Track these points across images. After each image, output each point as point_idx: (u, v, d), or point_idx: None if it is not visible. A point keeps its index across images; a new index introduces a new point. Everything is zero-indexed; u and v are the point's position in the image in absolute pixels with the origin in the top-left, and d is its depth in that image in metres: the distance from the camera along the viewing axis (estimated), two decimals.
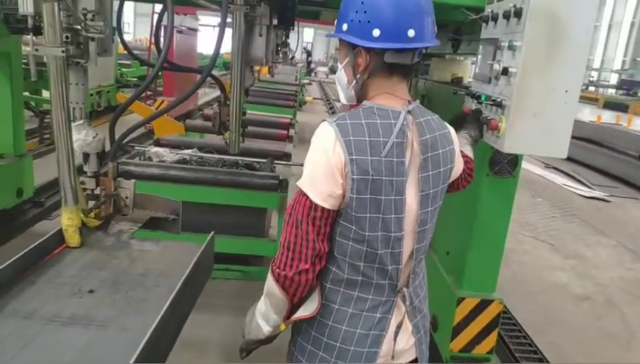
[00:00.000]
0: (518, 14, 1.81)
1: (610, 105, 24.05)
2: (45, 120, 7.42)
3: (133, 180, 2.06)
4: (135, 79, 12.02)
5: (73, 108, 1.87)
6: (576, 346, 3.71)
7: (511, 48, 1.85)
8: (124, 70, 11.84)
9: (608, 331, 4.01)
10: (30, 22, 1.66)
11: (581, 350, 3.67)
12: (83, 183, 1.92)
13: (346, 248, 1.34)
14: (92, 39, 1.76)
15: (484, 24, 2.16)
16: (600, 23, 35.01)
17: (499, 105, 1.90)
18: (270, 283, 1.38)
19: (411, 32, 1.27)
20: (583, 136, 10.98)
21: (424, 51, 1.40)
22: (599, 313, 4.30)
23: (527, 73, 1.80)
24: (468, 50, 2.97)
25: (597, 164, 10.05)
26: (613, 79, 32.61)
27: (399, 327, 1.40)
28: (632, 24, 31.94)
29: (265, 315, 1.45)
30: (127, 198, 2.05)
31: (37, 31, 1.70)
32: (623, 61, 32.93)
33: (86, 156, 1.95)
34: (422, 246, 1.41)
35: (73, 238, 1.84)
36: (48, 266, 1.70)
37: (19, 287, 1.56)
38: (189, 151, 4.37)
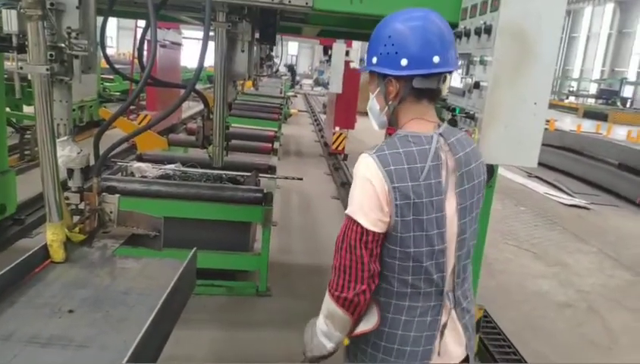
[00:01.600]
0: (488, 30, 1.89)
1: (590, 114, 24.54)
2: (26, 137, 7.33)
3: (117, 195, 2.07)
4: (118, 93, 11.97)
5: (58, 125, 1.88)
6: (559, 353, 3.75)
7: (482, 62, 1.93)
8: (107, 84, 11.79)
9: (590, 338, 4.06)
10: (15, 40, 1.68)
11: (564, 357, 3.71)
12: (67, 198, 1.93)
13: (394, 266, 1.45)
14: (76, 56, 1.78)
15: (457, 40, 2.23)
16: (579, 35, 35.82)
17: (472, 117, 1.97)
18: (331, 306, 1.48)
19: (436, 59, 1.40)
20: (564, 145, 11.18)
21: (447, 76, 1.51)
22: (581, 320, 4.36)
23: (497, 86, 1.88)
24: None
25: (578, 172, 10.22)
26: (593, 88, 33.29)
27: (447, 327, 1.51)
28: (609, 35, 32.73)
29: (327, 333, 1.54)
30: (111, 212, 2.06)
31: (21, 49, 1.71)
32: (602, 71, 33.65)
33: (70, 172, 1.96)
34: (463, 253, 1.52)
35: (57, 253, 1.85)
36: (28, 285, 1.69)
37: None
38: (172, 166, 4.36)
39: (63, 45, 1.74)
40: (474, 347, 1.63)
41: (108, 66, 2.96)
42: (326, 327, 1.53)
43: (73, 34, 1.74)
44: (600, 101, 29.89)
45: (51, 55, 1.70)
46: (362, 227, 1.40)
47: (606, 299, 4.83)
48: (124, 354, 1.25)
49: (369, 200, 1.40)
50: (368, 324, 1.50)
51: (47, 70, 1.68)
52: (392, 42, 1.42)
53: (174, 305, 1.69)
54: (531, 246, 6.10)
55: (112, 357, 1.33)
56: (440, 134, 1.45)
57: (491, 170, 2.56)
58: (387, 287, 1.48)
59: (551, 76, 1.94)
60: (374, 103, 1.55)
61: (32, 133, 7.28)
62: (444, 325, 1.50)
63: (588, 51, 35.33)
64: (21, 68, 1.69)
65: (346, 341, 1.55)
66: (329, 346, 1.54)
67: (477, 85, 1.95)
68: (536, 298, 4.70)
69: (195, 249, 1.96)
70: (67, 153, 1.92)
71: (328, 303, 1.49)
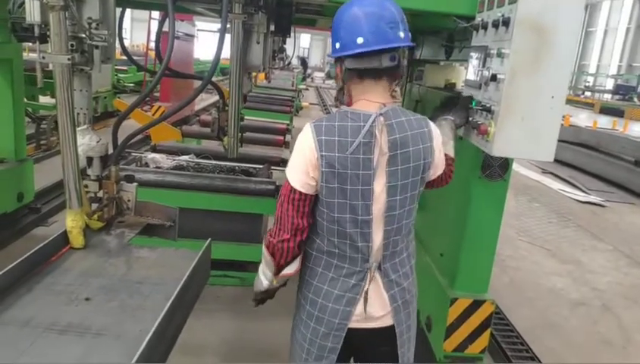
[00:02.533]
0: (506, 23, 1.87)
1: (606, 110, 24.15)
2: (42, 126, 7.40)
3: (135, 184, 2.09)
4: (132, 85, 12.02)
5: (77, 114, 1.90)
6: (572, 351, 3.72)
7: (500, 55, 1.91)
8: (121, 75, 11.85)
9: (604, 337, 4.01)
10: (37, 30, 1.71)
11: (578, 356, 3.67)
12: (86, 186, 1.96)
13: (323, 226, 1.64)
14: (97, 47, 1.81)
15: (474, 32, 2.21)
16: (596, 29, 35.25)
17: (488, 110, 1.96)
18: (263, 248, 1.72)
19: (359, 40, 1.51)
20: (579, 141, 11.03)
21: (407, 55, 1.62)
22: (595, 318, 4.31)
23: (515, 79, 1.86)
24: (460, 57, 3.00)
25: (593, 169, 10.08)
26: (609, 84, 32.75)
27: (371, 294, 1.67)
28: (628, 30, 32.14)
29: (263, 271, 1.77)
30: (129, 201, 2.09)
31: (43, 39, 1.74)
32: (619, 66, 33.08)
33: (89, 160, 1.99)
34: (393, 229, 1.64)
35: (77, 239, 1.88)
36: (44, 273, 1.70)
37: (16, 294, 1.56)
38: (185, 157, 4.38)
39: (83, 35, 1.76)
40: (405, 320, 1.75)
41: (123, 57, 2.97)
42: (263, 266, 1.76)
43: (94, 24, 1.77)
44: (617, 96, 29.40)
45: (72, 45, 1.72)
46: (291, 186, 1.59)
47: (621, 298, 4.77)
48: (140, 343, 1.26)
49: (299, 164, 1.58)
50: (289, 269, 1.70)
51: (68, 59, 1.70)
52: (334, 30, 1.59)
53: (188, 295, 1.70)
54: (545, 243, 6.04)
55: (128, 345, 1.34)
56: (381, 114, 1.56)
57: (506, 164, 2.55)
58: (320, 243, 1.67)
59: (570, 69, 1.92)
60: (336, 85, 1.72)
61: (48, 122, 7.35)
62: (371, 293, 1.66)
63: (605, 45, 34.72)
64: (43, 58, 1.71)
65: (275, 281, 1.74)
66: (265, 283, 1.76)
67: (494, 77, 1.93)
68: (550, 295, 4.66)
69: (210, 240, 1.97)
70: (87, 142, 1.96)
71: (263, 245, 1.71)
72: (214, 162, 4.33)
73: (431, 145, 1.63)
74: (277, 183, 3.91)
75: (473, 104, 2.12)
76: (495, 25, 1.95)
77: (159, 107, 8.85)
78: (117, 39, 2.18)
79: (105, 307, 1.54)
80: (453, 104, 2.23)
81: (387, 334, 1.72)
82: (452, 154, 1.90)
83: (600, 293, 4.83)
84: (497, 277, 4.80)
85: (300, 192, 1.58)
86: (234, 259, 3.94)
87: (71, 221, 1.85)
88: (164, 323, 1.38)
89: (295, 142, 1.63)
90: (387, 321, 1.71)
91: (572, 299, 4.63)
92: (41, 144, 7.34)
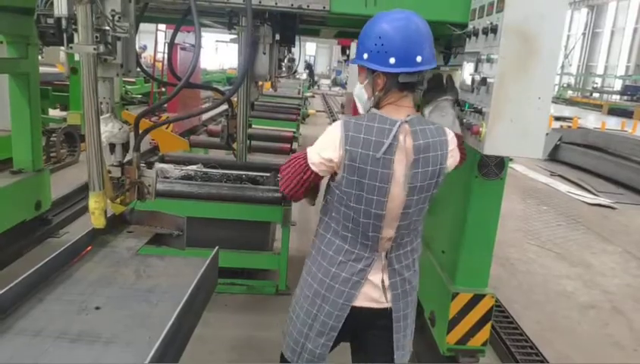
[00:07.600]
0: (494, 30, 1.98)
1: (615, 111, 24.00)
2: (52, 139, 7.48)
3: (155, 169, 2.15)
4: (139, 96, 12.13)
5: (101, 103, 1.97)
6: (583, 354, 3.70)
7: (489, 60, 2.02)
8: (129, 87, 11.97)
9: (615, 339, 3.98)
10: (64, 23, 1.78)
11: (588, 359, 3.65)
12: (109, 171, 2.02)
13: (340, 211, 1.78)
14: (119, 38, 1.89)
15: (467, 39, 2.32)
16: (603, 30, 35.07)
17: (479, 111, 2.06)
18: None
19: (419, 58, 1.64)
20: (588, 143, 10.95)
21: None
22: (605, 321, 4.28)
23: (503, 83, 1.97)
24: (456, 62, 3.07)
25: (602, 171, 10.00)
26: (617, 85, 32.51)
27: (373, 279, 1.82)
28: (635, 30, 31.94)
29: None
30: (149, 185, 2.15)
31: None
32: (627, 67, 32.85)
33: (112, 146, 2.07)
34: (405, 224, 1.78)
35: (99, 220, 1.93)
36: (56, 283, 1.74)
37: (27, 305, 1.59)
38: (193, 166, 4.42)
39: (107, 27, 1.84)
40: (404, 308, 1.89)
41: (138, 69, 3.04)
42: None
43: (117, 17, 1.85)
44: (625, 97, 29.17)
45: (96, 37, 1.79)
46: (308, 164, 1.75)
47: (631, 300, 4.74)
48: (149, 350, 1.28)
49: (322, 149, 1.72)
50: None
51: (94, 49, 1.77)
52: (382, 42, 1.64)
53: (196, 303, 1.73)
54: (554, 246, 6.01)
55: (138, 352, 1.37)
56: (406, 121, 1.69)
57: (502, 163, 2.61)
58: (336, 227, 1.82)
59: (555, 72, 2.03)
60: (362, 92, 1.79)
61: (58, 135, 7.44)
62: (376, 279, 1.81)
63: (613, 46, 34.51)
64: (71, 47, 1.79)
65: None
66: None
67: (484, 81, 2.03)
68: (559, 298, 4.64)
69: (217, 248, 2.00)
70: (110, 129, 2.03)
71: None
72: (221, 171, 4.37)
73: (446, 152, 1.76)
74: None
75: (466, 106, 2.22)
76: (485, 32, 2.06)
77: (167, 117, 8.93)
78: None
79: (115, 316, 1.57)
80: (440, 82, 2.26)
81: (385, 318, 1.87)
82: (460, 131, 2.06)
83: (610, 295, 4.80)
84: (505, 281, 4.80)
85: (312, 172, 1.75)
86: (242, 267, 3.97)
87: (94, 203, 1.90)
88: (173, 330, 1.41)
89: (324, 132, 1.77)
90: (385, 304, 1.86)
91: (582, 302, 4.60)
92: (51, 156, 7.42)
